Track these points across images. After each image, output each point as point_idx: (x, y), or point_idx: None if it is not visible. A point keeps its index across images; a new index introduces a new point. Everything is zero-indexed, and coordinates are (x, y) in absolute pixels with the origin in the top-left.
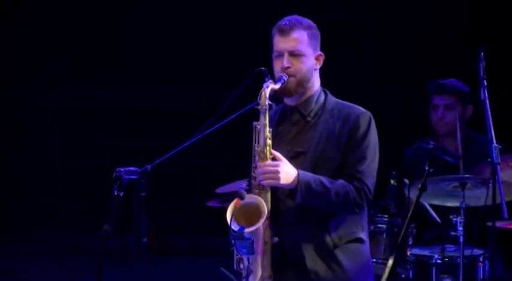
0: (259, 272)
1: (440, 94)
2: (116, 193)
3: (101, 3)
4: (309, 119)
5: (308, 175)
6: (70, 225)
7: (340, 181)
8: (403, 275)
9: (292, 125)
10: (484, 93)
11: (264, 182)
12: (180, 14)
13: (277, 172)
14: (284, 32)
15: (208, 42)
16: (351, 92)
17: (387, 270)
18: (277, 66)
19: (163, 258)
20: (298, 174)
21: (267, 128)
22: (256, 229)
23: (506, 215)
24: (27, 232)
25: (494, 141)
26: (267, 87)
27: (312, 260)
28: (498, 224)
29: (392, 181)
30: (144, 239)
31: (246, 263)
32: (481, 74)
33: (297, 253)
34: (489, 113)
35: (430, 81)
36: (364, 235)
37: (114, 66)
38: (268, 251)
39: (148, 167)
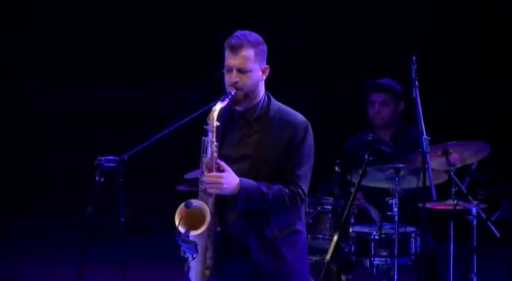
0: (208, 260)
1: (378, 92)
2: (97, 179)
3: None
4: (253, 124)
5: (248, 183)
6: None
7: (277, 186)
8: (346, 249)
9: (239, 129)
10: (416, 92)
11: (209, 191)
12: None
13: (221, 183)
14: (234, 49)
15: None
16: (295, 92)
17: (333, 245)
18: (227, 79)
19: (139, 235)
20: (240, 182)
21: (214, 144)
22: (200, 233)
23: (434, 197)
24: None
25: (424, 133)
26: (215, 110)
27: (257, 251)
28: (428, 205)
29: (336, 168)
30: (122, 219)
31: (190, 259)
32: (413, 75)
33: (242, 244)
34: (420, 108)
35: (368, 80)
36: (301, 226)
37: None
38: (213, 242)
39: (125, 156)
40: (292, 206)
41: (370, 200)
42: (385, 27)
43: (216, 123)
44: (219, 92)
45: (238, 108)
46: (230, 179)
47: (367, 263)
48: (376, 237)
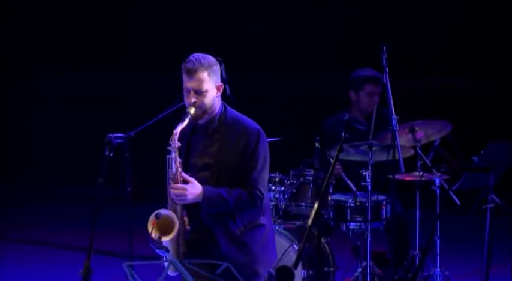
0: (178, 250)
1: (375, 84)
2: (107, 153)
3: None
4: (213, 135)
5: (210, 191)
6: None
7: (237, 190)
8: (326, 216)
9: (201, 140)
10: (386, 78)
11: (176, 202)
12: (173, 5)
13: (185, 195)
14: (189, 73)
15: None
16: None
17: (313, 212)
18: (186, 100)
19: (144, 203)
20: (203, 190)
21: (178, 160)
22: (171, 238)
23: (403, 169)
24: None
25: (394, 114)
26: (176, 133)
27: (226, 245)
28: (397, 176)
29: (317, 144)
30: (129, 189)
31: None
32: (384, 63)
33: (211, 240)
34: (390, 92)
35: (360, 72)
36: (264, 220)
37: (109, 57)
38: (182, 235)
39: (132, 133)
40: (252, 207)
41: (346, 172)
42: (362, 16)
43: (177, 144)
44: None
45: (199, 122)
46: (193, 190)
47: (344, 227)
48: (352, 204)
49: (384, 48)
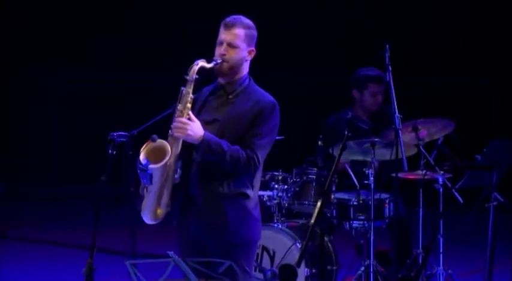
0: (163, 200)
1: (379, 83)
2: (110, 152)
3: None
4: (230, 96)
5: (211, 137)
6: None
7: (236, 147)
8: (329, 214)
9: (217, 98)
10: (389, 76)
11: (173, 133)
12: (174, 4)
13: (185, 129)
14: (227, 26)
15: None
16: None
17: (316, 210)
18: (217, 52)
19: None
20: (204, 134)
21: (190, 95)
22: (160, 167)
23: (406, 168)
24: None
25: (397, 112)
26: (197, 64)
27: (205, 201)
28: (400, 175)
29: (319, 143)
30: (132, 188)
31: (143, 187)
32: (386, 61)
33: (196, 193)
34: (393, 90)
35: (364, 71)
36: (251, 192)
37: (110, 55)
38: (170, 186)
39: (135, 132)
40: (245, 168)
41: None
42: (361, 15)
43: (195, 76)
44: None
45: (220, 80)
46: (195, 128)
47: (347, 226)
48: (355, 203)
49: (387, 46)
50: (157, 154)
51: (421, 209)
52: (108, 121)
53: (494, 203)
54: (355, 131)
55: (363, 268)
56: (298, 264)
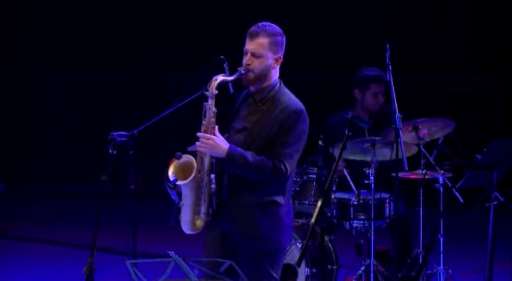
0: (201, 211)
1: (380, 83)
2: (110, 152)
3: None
4: (259, 104)
5: (235, 150)
6: (74, 176)
7: (262, 158)
8: (329, 213)
9: (248, 106)
10: (389, 76)
11: (199, 149)
12: (174, 9)
13: (209, 144)
14: (251, 36)
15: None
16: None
17: (317, 209)
18: (243, 61)
19: (148, 201)
20: (228, 148)
21: (212, 109)
22: (188, 183)
23: (406, 167)
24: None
25: (397, 111)
26: (216, 79)
27: (237, 209)
28: (400, 174)
29: (320, 142)
30: (132, 187)
31: (180, 204)
32: (387, 61)
33: (229, 201)
34: (393, 90)
35: (366, 71)
36: (282, 200)
37: (111, 55)
38: (207, 198)
39: (135, 131)
40: (272, 178)
41: (349, 169)
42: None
43: (214, 91)
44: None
45: (251, 88)
46: (219, 142)
47: (347, 225)
48: (355, 202)
49: (387, 46)
50: (185, 170)
51: (421, 209)
52: (110, 120)
53: (495, 202)
54: (356, 131)
55: (363, 268)
56: (299, 264)
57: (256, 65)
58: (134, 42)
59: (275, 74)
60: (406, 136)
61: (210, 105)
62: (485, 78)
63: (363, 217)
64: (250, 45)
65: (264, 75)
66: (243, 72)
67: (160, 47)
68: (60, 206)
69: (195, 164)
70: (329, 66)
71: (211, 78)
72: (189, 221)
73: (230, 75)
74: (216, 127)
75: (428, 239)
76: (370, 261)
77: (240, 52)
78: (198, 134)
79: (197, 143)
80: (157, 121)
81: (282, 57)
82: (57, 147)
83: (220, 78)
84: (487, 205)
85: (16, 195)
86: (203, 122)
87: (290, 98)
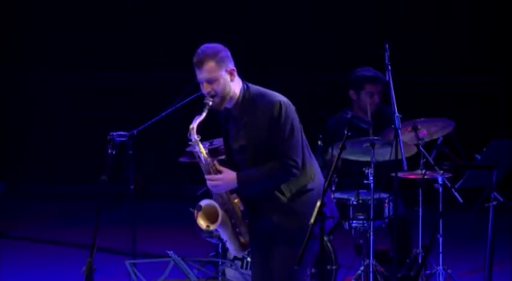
0: (242, 233)
1: (375, 84)
2: (109, 151)
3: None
4: (240, 118)
5: (243, 174)
6: (74, 176)
7: (269, 165)
8: (328, 214)
9: (233, 124)
10: (389, 76)
11: (214, 191)
12: (173, 9)
13: (220, 184)
14: (197, 65)
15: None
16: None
17: (316, 210)
18: (202, 90)
19: (147, 201)
20: (236, 176)
21: (204, 152)
22: (220, 224)
23: (405, 167)
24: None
25: (396, 112)
26: (192, 127)
27: (277, 217)
28: (400, 174)
29: (319, 142)
30: (131, 186)
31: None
32: (386, 61)
33: (264, 214)
34: (392, 90)
35: (360, 71)
36: (312, 185)
37: (113, 54)
38: (240, 220)
39: (135, 131)
40: (288, 176)
41: (349, 170)
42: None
43: (196, 137)
44: None
45: (226, 107)
46: (227, 177)
47: (347, 225)
48: (354, 202)
49: (387, 46)
50: (210, 213)
51: (420, 209)
52: (110, 120)
53: (494, 202)
54: (356, 131)
55: (362, 268)
56: (299, 263)
57: (216, 89)
58: (134, 42)
59: (237, 84)
60: (406, 136)
61: (199, 152)
62: (485, 78)
63: (362, 217)
64: (201, 75)
65: (227, 93)
66: (209, 103)
67: (160, 47)
68: (59, 206)
69: (216, 205)
70: (329, 66)
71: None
72: (236, 247)
73: (200, 114)
74: (216, 162)
75: (428, 239)
76: (370, 261)
77: (240, 52)
78: (206, 177)
79: (208, 185)
80: (157, 121)
81: (232, 68)
82: (57, 147)
83: (195, 123)
84: (486, 205)
85: (15, 195)
86: (200, 166)
87: (264, 96)
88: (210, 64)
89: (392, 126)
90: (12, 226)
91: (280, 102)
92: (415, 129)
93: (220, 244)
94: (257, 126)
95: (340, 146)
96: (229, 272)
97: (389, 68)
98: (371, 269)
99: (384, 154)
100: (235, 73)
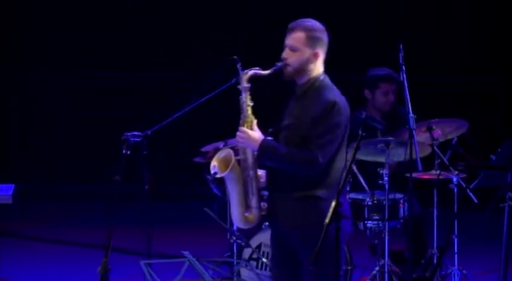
0: (251, 204)
1: (391, 83)
2: (124, 152)
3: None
4: (299, 99)
5: (268, 143)
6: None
7: (296, 150)
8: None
9: (293, 101)
10: (403, 76)
11: (236, 142)
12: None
13: (243, 138)
14: (289, 30)
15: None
16: None
17: (331, 210)
18: (283, 54)
19: (161, 201)
20: (261, 141)
21: (247, 103)
22: (228, 175)
23: (420, 168)
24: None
25: (411, 112)
26: (246, 73)
27: (280, 203)
28: (414, 174)
29: None
30: (146, 187)
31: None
32: (401, 61)
33: (273, 195)
34: (407, 90)
35: (375, 71)
36: (322, 194)
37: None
38: (255, 191)
39: (149, 132)
40: (306, 169)
41: (363, 170)
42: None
43: (245, 84)
44: (232, 76)
45: (298, 81)
46: (253, 136)
47: (362, 226)
48: (369, 203)
49: (401, 46)
50: (227, 164)
51: (435, 209)
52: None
53: (509, 203)
54: (370, 131)
55: (377, 268)
56: (314, 264)
57: (293, 59)
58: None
59: (317, 68)
60: (420, 137)
61: (244, 99)
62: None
63: (377, 217)
64: (287, 40)
65: (302, 69)
66: (278, 65)
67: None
68: (72, 206)
69: (232, 158)
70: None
71: (232, 76)
72: (238, 215)
73: (263, 69)
74: (255, 121)
75: (443, 240)
76: (385, 261)
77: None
78: (239, 128)
79: (236, 135)
80: (171, 121)
81: (319, 52)
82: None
83: (253, 71)
84: (501, 205)
85: (27, 194)
86: (241, 116)
87: (326, 91)
88: (299, 34)
89: (407, 126)
90: (26, 226)
91: (333, 103)
92: (429, 129)
93: (235, 244)
94: (307, 113)
95: (355, 146)
96: (244, 273)
97: (404, 68)
98: (386, 270)
99: (399, 154)
100: (320, 59)
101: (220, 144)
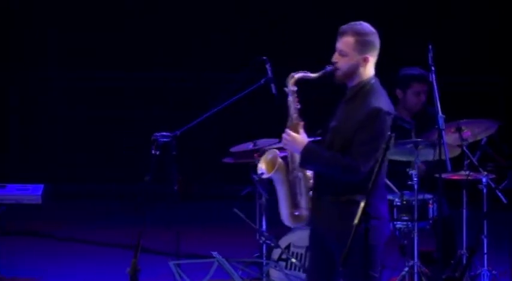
0: (300, 204)
1: (423, 83)
2: (153, 152)
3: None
4: (348, 102)
5: (310, 147)
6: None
7: (337, 155)
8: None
9: (342, 103)
10: (433, 77)
11: (282, 144)
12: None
13: (288, 140)
14: (339, 34)
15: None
16: None
17: (360, 210)
18: (333, 58)
19: (190, 202)
20: (305, 145)
21: (294, 105)
22: (274, 175)
23: (450, 168)
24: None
25: (440, 112)
26: (292, 76)
27: (323, 207)
28: (444, 175)
29: None
30: (175, 187)
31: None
32: (430, 61)
33: (318, 198)
34: (436, 91)
35: (408, 70)
36: (361, 198)
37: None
38: (304, 191)
39: (178, 132)
40: (343, 175)
41: (392, 170)
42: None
43: (292, 87)
44: (260, 77)
45: (349, 84)
46: (298, 139)
47: (391, 226)
48: (399, 203)
49: (430, 47)
50: (274, 165)
51: (465, 210)
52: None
53: None
54: (399, 132)
55: (407, 269)
56: (343, 265)
57: (342, 63)
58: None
59: (366, 72)
60: (450, 137)
61: (290, 102)
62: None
63: (406, 218)
64: (337, 43)
65: (351, 73)
66: (328, 69)
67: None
68: (102, 206)
69: (279, 158)
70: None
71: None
72: (286, 214)
73: (312, 72)
74: (301, 124)
75: (472, 240)
76: (414, 262)
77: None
78: (286, 130)
79: (282, 136)
80: (200, 122)
81: (369, 57)
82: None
83: (300, 74)
84: None
85: (58, 195)
86: (289, 120)
87: (373, 98)
88: (349, 39)
89: (436, 127)
90: (58, 226)
91: (377, 110)
92: (459, 130)
93: (264, 245)
94: (353, 118)
95: (384, 147)
96: (274, 273)
97: (433, 68)
98: (416, 270)
99: (428, 154)
100: (370, 64)
101: (250, 145)
